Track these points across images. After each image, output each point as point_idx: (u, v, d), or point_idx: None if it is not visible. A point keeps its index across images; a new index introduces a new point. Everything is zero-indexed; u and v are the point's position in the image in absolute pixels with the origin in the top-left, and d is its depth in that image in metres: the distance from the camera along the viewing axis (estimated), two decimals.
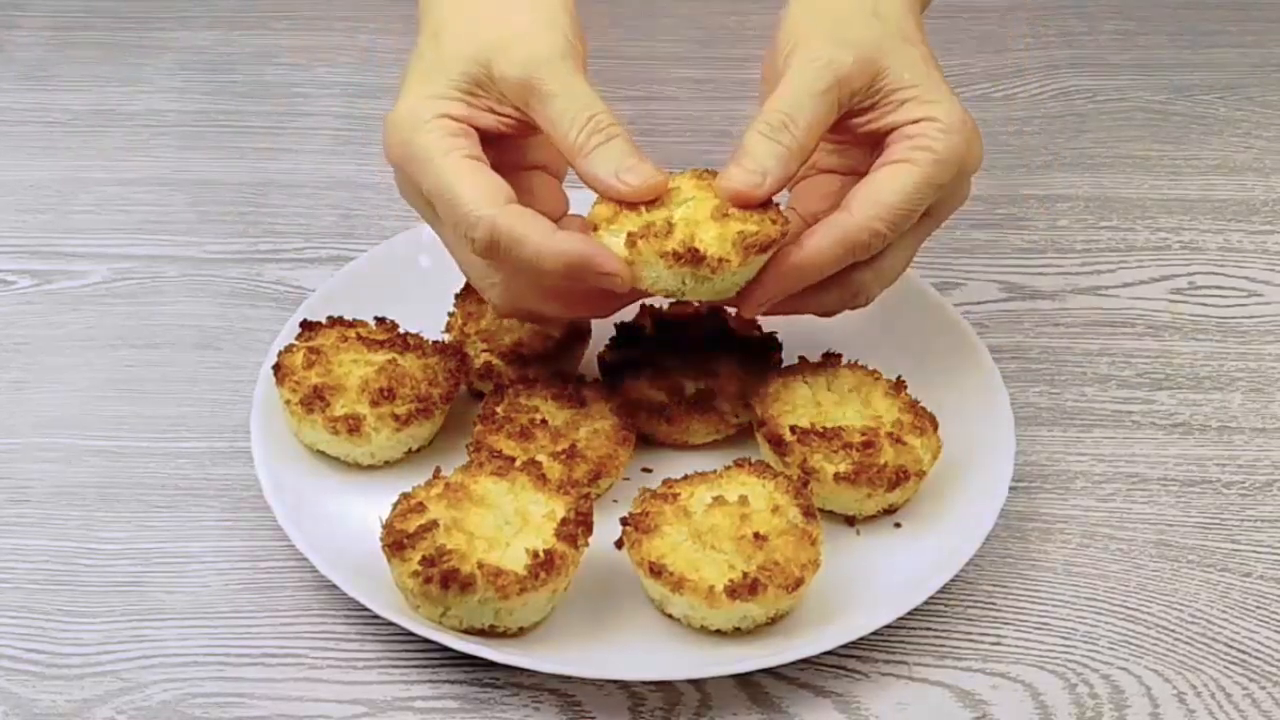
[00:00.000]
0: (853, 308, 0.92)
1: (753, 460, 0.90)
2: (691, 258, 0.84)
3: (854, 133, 0.90)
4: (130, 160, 1.22)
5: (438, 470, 0.89)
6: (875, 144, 0.90)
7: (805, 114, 0.86)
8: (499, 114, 0.88)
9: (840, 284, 0.89)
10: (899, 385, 0.95)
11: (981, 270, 1.14)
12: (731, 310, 0.93)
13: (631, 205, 0.86)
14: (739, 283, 0.86)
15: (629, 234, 0.85)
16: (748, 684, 0.86)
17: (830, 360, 0.97)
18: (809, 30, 0.88)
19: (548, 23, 0.88)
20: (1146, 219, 1.19)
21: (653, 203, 0.86)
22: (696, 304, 1.00)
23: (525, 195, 0.91)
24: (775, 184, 0.85)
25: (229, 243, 1.14)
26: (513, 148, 0.91)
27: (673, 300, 1.00)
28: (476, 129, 0.87)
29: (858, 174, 0.92)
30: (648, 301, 1.00)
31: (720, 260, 0.84)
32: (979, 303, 1.11)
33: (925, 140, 0.87)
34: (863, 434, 0.91)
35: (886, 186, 0.87)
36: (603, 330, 1.01)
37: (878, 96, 0.88)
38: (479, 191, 0.84)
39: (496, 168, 0.88)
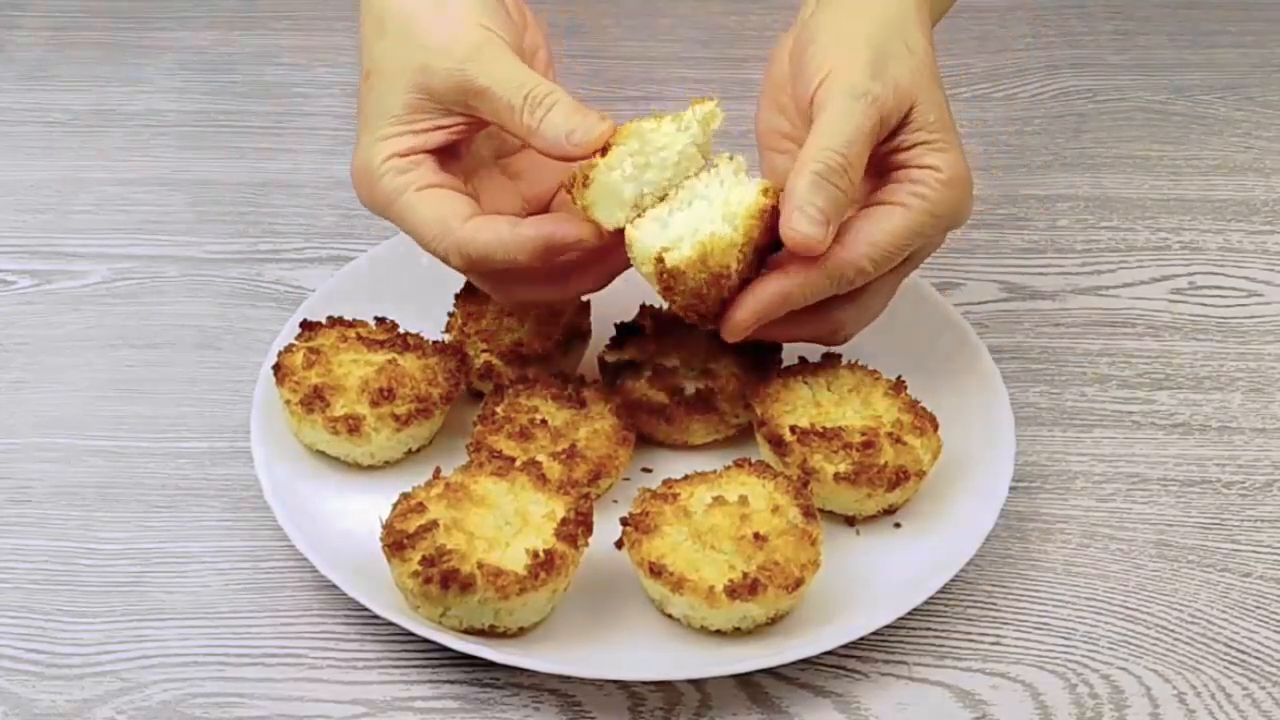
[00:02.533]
0: (830, 344, 0.94)
1: (753, 460, 0.90)
2: (664, 276, 0.85)
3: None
4: (130, 160, 1.22)
5: (438, 470, 0.89)
6: (872, 168, 0.89)
7: (857, 155, 0.86)
8: (447, 126, 0.89)
9: (820, 317, 0.90)
10: (899, 385, 0.95)
11: (981, 270, 1.14)
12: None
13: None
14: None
15: (566, 184, 0.86)
16: (748, 684, 0.86)
17: (830, 360, 0.97)
18: (848, 58, 0.87)
19: (461, 21, 0.88)
20: (1146, 219, 1.19)
21: (606, 148, 0.86)
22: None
23: (518, 176, 0.93)
24: (833, 233, 0.86)
25: (229, 243, 1.14)
26: (489, 139, 0.92)
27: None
28: (432, 151, 0.89)
29: None
30: (647, 301, 1.00)
31: (668, 288, 0.86)
32: (979, 303, 1.11)
33: (924, 189, 0.88)
34: (863, 434, 0.91)
35: (880, 226, 0.87)
36: (603, 330, 1.01)
37: (902, 131, 0.88)
38: (435, 222, 0.87)
39: (478, 166, 0.90)
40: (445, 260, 0.88)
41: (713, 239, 0.85)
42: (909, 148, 0.88)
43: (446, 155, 0.90)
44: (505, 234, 0.86)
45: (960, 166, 0.89)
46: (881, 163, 0.89)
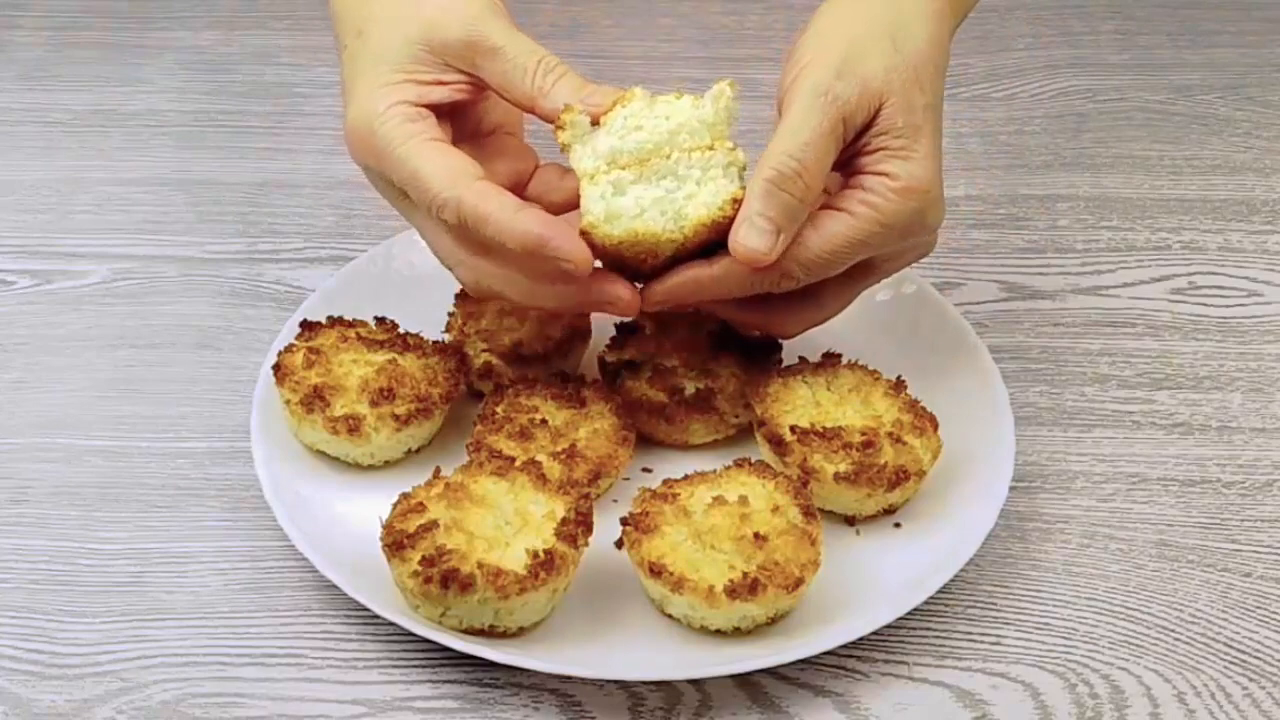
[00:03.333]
0: (776, 336, 0.93)
1: (753, 460, 0.90)
2: (588, 242, 0.85)
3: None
4: (130, 160, 1.22)
5: (438, 470, 0.89)
6: (841, 165, 0.89)
7: (814, 159, 0.85)
8: (448, 84, 0.88)
9: (763, 308, 0.90)
10: (899, 385, 0.95)
11: (981, 270, 1.14)
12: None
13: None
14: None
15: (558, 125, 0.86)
16: (748, 684, 0.86)
17: (830, 360, 0.97)
18: (821, 54, 0.87)
19: None
20: (1146, 219, 1.19)
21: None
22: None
23: (494, 158, 0.92)
24: (785, 243, 0.85)
25: (229, 243, 1.14)
26: (469, 116, 0.92)
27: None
28: (430, 107, 0.88)
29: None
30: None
31: (589, 249, 0.85)
32: (979, 303, 1.11)
33: (874, 198, 0.86)
34: (863, 434, 0.91)
35: (820, 233, 0.86)
36: (603, 330, 1.01)
37: (865, 133, 0.87)
38: (444, 171, 0.85)
39: (457, 140, 0.89)
40: (438, 213, 0.85)
41: (648, 231, 0.85)
42: (871, 151, 0.87)
43: (441, 118, 0.89)
44: (508, 211, 0.84)
45: (920, 175, 0.86)
46: (848, 163, 0.88)
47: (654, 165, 0.86)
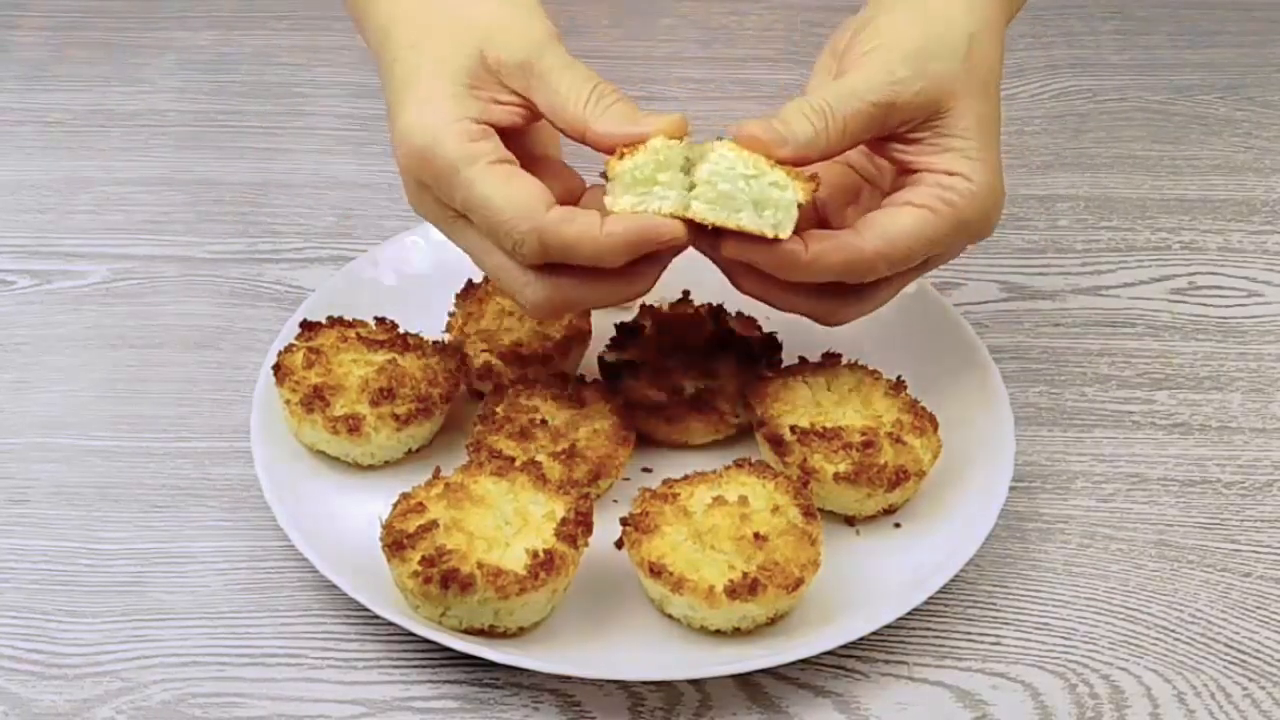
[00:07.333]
0: (822, 324, 0.91)
1: (753, 460, 0.90)
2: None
3: (891, 156, 0.88)
4: (130, 160, 1.22)
5: (438, 470, 0.89)
6: (902, 168, 0.88)
7: (846, 112, 0.84)
8: (504, 103, 0.86)
9: (818, 296, 0.88)
10: (899, 385, 0.95)
11: (981, 270, 1.14)
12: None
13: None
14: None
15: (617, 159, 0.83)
16: (748, 684, 0.86)
17: (830, 360, 0.97)
18: (900, 39, 0.86)
19: (527, 12, 0.87)
20: (1146, 219, 1.19)
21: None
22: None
23: (546, 180, 0.88)
24: (794, 153, 0.83)
25: (229, 243, 1.14)
26: (519, 141, 0.89)
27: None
28: (491, 125, 0.85)
29: (872, 184, 0.92)
30: (648, 301, 1.00)
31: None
32: (979, 303, 1.11)
33: (954, 195, 0.86)
34: (863, 434, 0.91)
35: (905, 227, 0.85)
36: (603, 330, 1.01)
37: (927, 134, 0.87)
38: (518, 202, 0.82)
39: None
40: (517, 245, 0.82)
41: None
42: (938, 152, 0.86)
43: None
44: (595, 229, 0.81)
45: (993, 178, 0.87)
46: (908, 164, 0.87)
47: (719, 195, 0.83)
